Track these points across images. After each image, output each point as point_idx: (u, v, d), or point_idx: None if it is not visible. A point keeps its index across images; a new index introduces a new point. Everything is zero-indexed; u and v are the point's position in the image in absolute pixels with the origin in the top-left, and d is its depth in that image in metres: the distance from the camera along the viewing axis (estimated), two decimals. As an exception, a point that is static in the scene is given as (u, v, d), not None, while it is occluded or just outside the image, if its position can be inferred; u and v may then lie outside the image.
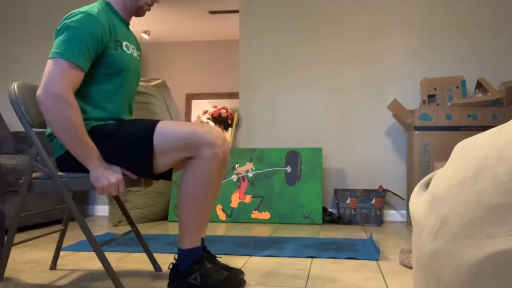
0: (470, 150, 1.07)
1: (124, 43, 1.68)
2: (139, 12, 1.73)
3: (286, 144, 3.71)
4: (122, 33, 1.69)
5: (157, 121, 1.59)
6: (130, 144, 1.56)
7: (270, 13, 3.77)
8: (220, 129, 1.53)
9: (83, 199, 3.84)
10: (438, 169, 1.40)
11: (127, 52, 1.69)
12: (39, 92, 1.47)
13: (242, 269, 1.91)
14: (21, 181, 1.63)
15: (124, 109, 1.72)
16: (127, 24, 1.75)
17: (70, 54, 1.49)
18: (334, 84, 3.67)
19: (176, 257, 1.60)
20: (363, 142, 3.61)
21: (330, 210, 3.57)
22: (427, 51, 3.55)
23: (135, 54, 1.76)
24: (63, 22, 1.55)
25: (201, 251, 1.60)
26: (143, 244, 1.89)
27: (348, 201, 3.33)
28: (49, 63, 1.50)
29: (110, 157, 1.56)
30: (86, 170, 1.58)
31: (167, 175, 1.71)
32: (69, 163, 1.60)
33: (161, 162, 1.56)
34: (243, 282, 1.62)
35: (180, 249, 1.58)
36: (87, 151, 1.51)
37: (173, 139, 1.53)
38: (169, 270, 1.60)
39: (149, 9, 1.74)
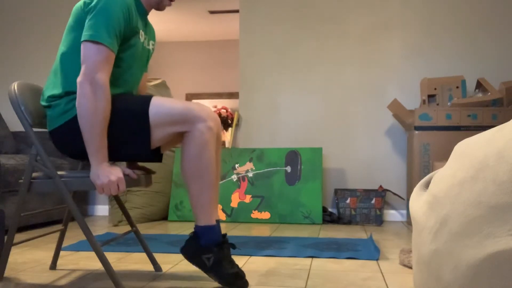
0: (470, 150, 1.07)
1: (140, 31, 1.71)
2: (160, 6, 1.76)
3: (286, 144, 3.71)
4: (141, 22, 1.72)
5: (151, 96, 1.62)
6: (125, 119, 1.58)
7: (270, 13, 3.77)
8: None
9: (83, 199, 3.84)
10: (438, 169, 1.40)
11: (141, 40, 1.71)
12: (82, 77, 1.50)
13: (242, 269, 1.91)
14: (21, 181, 1.63)
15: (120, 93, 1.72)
16: (146, 14, 1.77)
17: (111, 40, 1.53)
18: (334, 84, 3.67)
19: (194, 233, 1.61)
20: (363, 142, 3.61)
21: (330, 210, 3.57)
22: (427, 51, 3.55)
23: (146, 43, 1.78)
24: (100, 0, 1.55)
25: (220, 234, 1.61)
26: (143, 244, 1.89)
27: (348, 201, 3.33)
28: (92, 47, 1.51)
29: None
30: (80, 146, 1.58)
31: (156, 157, 1.71)
32: (65, 135, 1.60)
33: (154, 137, 1.59)
34: (247, 284, 1.63)
35: (197, 226, 1.60)
36: (100, 147, 1.52)
37: (167, 113, 1.57)
38: (189, 236, 1.63)
39: (169, 4, 1.77)
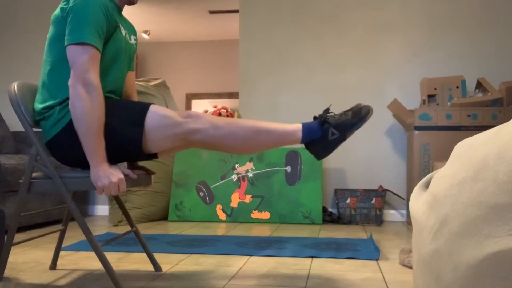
0: (470, 150, 1.07)
1: (120, 26, 1.71)
2: (131, 0, 1.77)
3: (286, 144, 3.70)
4: (118, 17, 1.72)
5: (150, 104, 1.64)
6: (121, 121, 1.60)
7: (270, 13, 3.77)
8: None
9: (83, 199, 3.84)
10: (438, 169, 1.40)
11: (122, 35, 1.72)
12: (73, 79, 1.51)
13: (242, 269, 1.91)
14: (21, 181, 1.63)
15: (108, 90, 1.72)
16: (121, 9, 1.78)
17: (93, 38, 1.54)
18: (334, 84, 3.67)
19: (304, 142, 1.67)
20: (363, 142, 3.61)
21: (330, 210, 3.57)
22: (427, 51, 3.55)
23: (128, 38, 1.78)
24: (75, 2, 1.55)
25: (315, 118, 1.67)
26: (143, 244, 1.89)
27: (348, 201, 3.33)
28: (77, 49, 1.52)
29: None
30: (78, 153, 1.58)
31: (151, 156, 1.73)
32: (63, 143, 1.60)
33: (150, 139, 1.61)
34: (368, 106, 1.65)
35: (301, 143, 1.65)
36: (98, 147, 1.52)
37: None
38: (306, 149, 1.68)
39: None
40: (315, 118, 1.67)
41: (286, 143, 1.65)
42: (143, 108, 1.62)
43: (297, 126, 1.64)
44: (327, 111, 1.66)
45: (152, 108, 1.62)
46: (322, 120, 1.64)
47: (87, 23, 1.53)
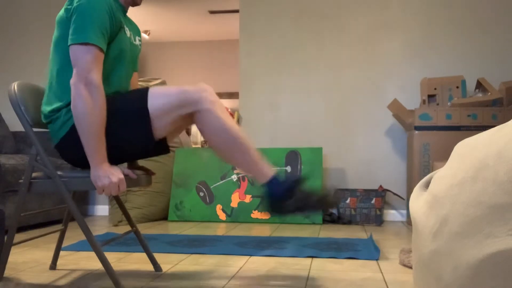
0: (470, 150, 1.07)
1: (125, 27, 1.71)
2: (136, 0, 1.77)
3: (286, 144, 3.71)
4: (123, 18, 1.72)
5: (147, 89, 1.64)
6: (126, 119, 1.59)
7: (270, 13, 3.77)
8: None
9: (83, 199, 3.84)
10: (438, 169, 1.40)
11: (127, 35, 1.72)
12: (76, 78, 1.50)
13: (242, 269, 1.91)
14: (21, 181, 1.63)
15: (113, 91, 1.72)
16: (125, 10, 1.78)
17: (97, 39, 1.53)
18: (334, 84, 3.67)
19: (266, 189, 1.64)
20: (363, 142, 3.61)
21: (330, 210, 3.57)
22: (427, 51, 3.55)
23: (133, 39, 1.78)
24: (79, 2, 1.55)
25: (289, 179, 1.64)
26: (143, 244, 1.89)
27: (348, 201, 3.33)
28: (80, 49, 1.52)
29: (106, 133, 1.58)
30: (85, 154, 1.57)
31: (163, 149, 1.72)
32: (70, 145, 1.60)
33: (158, 128, 1.60)
34: (335, 203, 1.63)
35: (263, 184, 1.63)
36: (99, 147, 1.52)
37: (166, 102, 1.59)
38: (263, 194, 1.66)
39: None
40: (289, 178, 1.65)
41: (251, 174, 1.63)
42: (142, 95, 1.62)
43: (270, 173, 1.62)
44: (300, 181, 1.63)
45: (151, 91, 1.63)
46: (291, 187, 1.61)
47: (91, 23, 1.53)
